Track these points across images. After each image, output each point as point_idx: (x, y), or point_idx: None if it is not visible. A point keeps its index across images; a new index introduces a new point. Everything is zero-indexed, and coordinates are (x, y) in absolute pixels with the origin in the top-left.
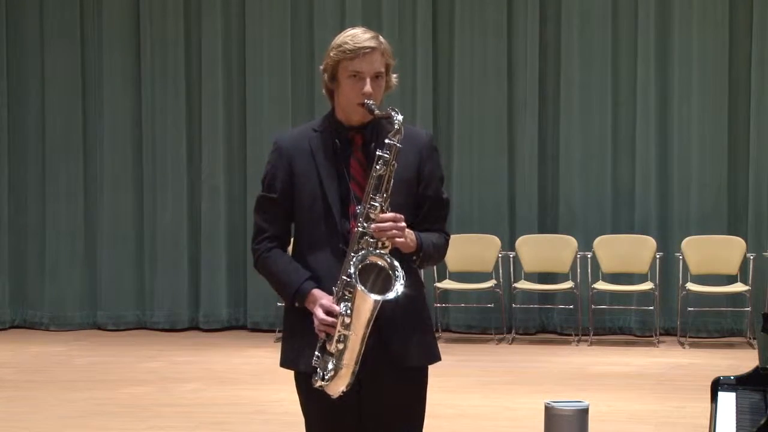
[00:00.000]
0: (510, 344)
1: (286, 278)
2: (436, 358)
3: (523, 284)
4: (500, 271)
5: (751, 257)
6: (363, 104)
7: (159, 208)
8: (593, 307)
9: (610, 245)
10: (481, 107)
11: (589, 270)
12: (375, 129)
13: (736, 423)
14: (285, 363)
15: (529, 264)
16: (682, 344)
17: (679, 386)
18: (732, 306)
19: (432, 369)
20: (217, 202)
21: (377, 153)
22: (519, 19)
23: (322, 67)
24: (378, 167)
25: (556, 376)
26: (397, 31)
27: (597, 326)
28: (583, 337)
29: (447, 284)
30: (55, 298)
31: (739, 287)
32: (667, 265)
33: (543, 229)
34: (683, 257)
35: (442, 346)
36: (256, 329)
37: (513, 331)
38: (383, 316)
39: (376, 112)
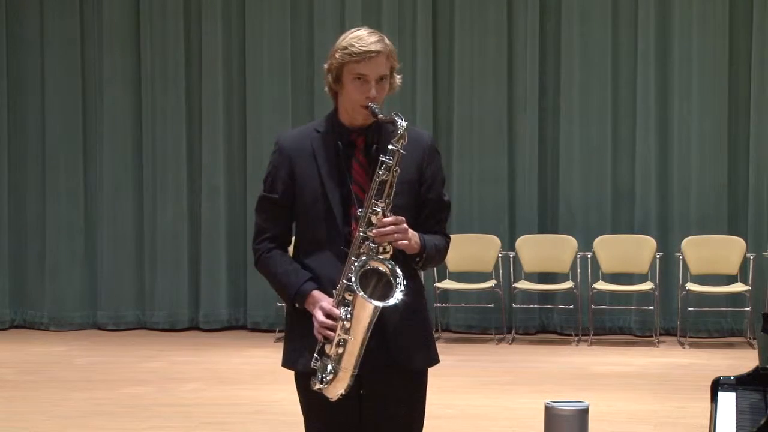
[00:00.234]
0: (510, 344)
1: (287, 279)
2: (435, 360)
3: (523, 284)
4: (500, 271)
5: (751, 257)
6: (367, 107)
7: (159, 208)
8: (593, 307)
9: (610, 245)
10: (481, 107)
11: (589, 270)
12: (377, 131)
13: (736, 423)
14: (286, 363)
15: (529, 264)
16: (682, 344)
17: (679, 386)
18: (732, 306)
19: (432, 369)
20: (217, 202)
21: (380, 158)
22: (519, 19)
23: (326, 67)
24: (381, 173)
25: (556, 376)
26: (397, 31)
27: (597, 326)
28: (583, 337)
29: (447, 284)
30: (55, 298)
31: (739, 287)
32: (667, 265)
33: (543, 229)
34: (683, 257)
35: (442, 346)
36: (256, 329)
37: (513, 331)
38: (384, 318)
39: (380, 115)
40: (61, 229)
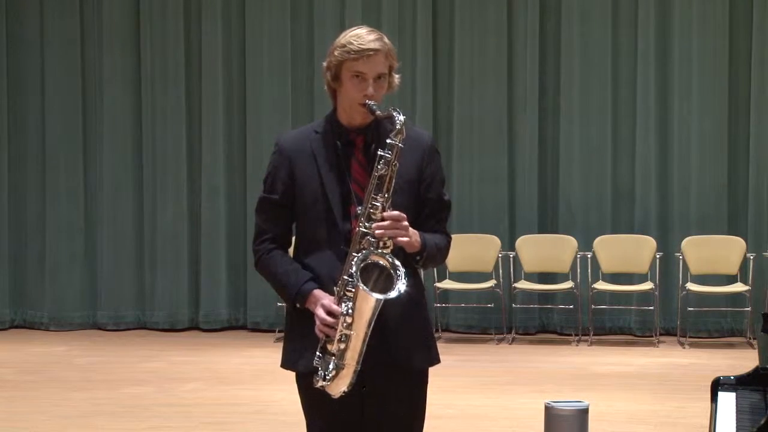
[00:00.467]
0: (510, 344)
1: (287, 279)
2: (436, 360)
3: (523, 284)
4: (500, 271)
5: (751, 257)
6: (365, 105)
7: (159, 208)
8: (593, 307)
9: (610, 245)
10: (481, 107)
11: (589, 270)
12: (376, 130)
13: (736, 423)
14: (286, 364)
15: (529, 264)
16: (682, 344)
17: (679, 386)
18: (732, 306)
19: (432, 369)
20: (217, 202)
21: (379, 153)
22: (519, 19)
23: (325, 65)
24: (380, 167)
25: (556, 376)
26: (397, 31)
27: (597, 326)
28: (583, 337)
29: (447, 284)
30: (55, 298)
31: (739, 287)
32: (667, 265)
33: (543, 229)
34: (683, 257)
35: (442, 346)
36: (256, 329)
37: (513, 331)
38: (384, 317)
39: (378, 112)
40: (61, 229)
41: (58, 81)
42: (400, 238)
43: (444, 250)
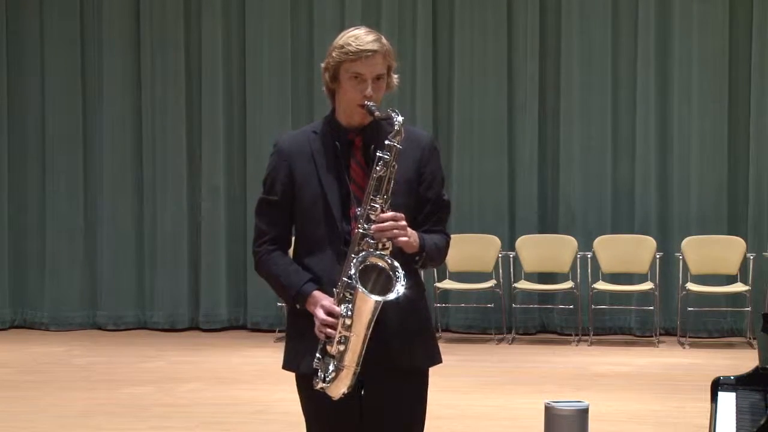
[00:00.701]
0: (510, 344)
1: (287, 280)
2: (437, 360)
3: (523, 284)
4: (500, 271)
5: (751, 257)
6: (363, 105)
7: (159, 208)
8: (593, 307)
9: (610, 245)
10: (481, 107)
11: (589, 270)
12: (375, 131)
13: (736, 423)
14: (286, 365)
15: (529, 264)
16: (682, 344)
17: (679, 386)
18: (732, 306)
19: (432, 369)
20: (217, 202)
21: (377, 154)
22: (519, 19)
23: (323, 66)
24: (378, 168)
25: (556, 376)
26: (397, 31)
27: (597, 326)
28: (583, 337)
29: (447, 284)
30: (55, 298)
31: (739, 287)
32: (667, 265)
33: (543, 229)
34: (683, 257)
35: (442, 346)
36: (256, 329)
37: (513, 331)
38: (384, 317)
39: (377, 113)
40: (61, 229)
41: (58, 81)
42: (399, 239)
43: (443, 250)
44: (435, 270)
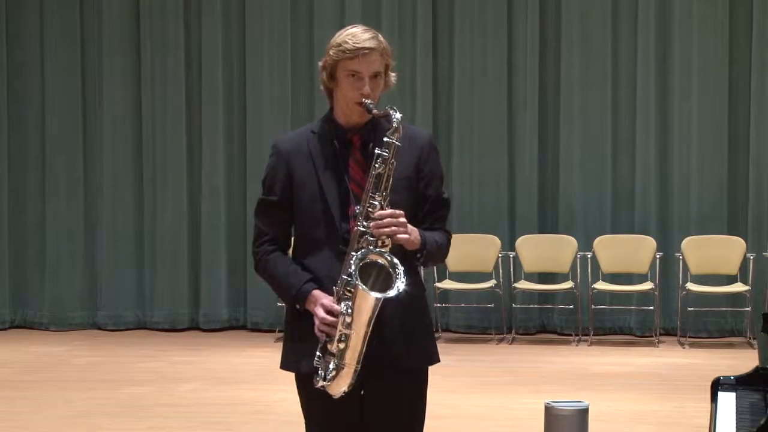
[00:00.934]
0: (510, 344)
1: (287, 281)
2: (436, 359)
3: (523, 284)
4: (500, 271)
5: (751, 257)
6: (361, 103)
7: (159, 208)
8: (593, 307)
9: (610, 245)
10: (481, 107)
11: (589, 270)
12: (373, 130)
13: (736, 423)
14: (285, 365)
15: (529, 264)
16: (682, 344)
17: (679, 386)
18: (732, 306)
19: (432, 369)
20: (217, 202)
21: (376, 151)
22: (519, 19)
23: (321, 65)
24: (377, 166)
25: (556, 376)
26: (397, 31)
27: (597, 326)
28: (583, 337)
29: (447, 284)
30: (55, 298)
31: (739, 287)
32: (667, 265)
33: (543, 229)
34: (683, 257)
35: (442, 346)
36: (256, 329)
37: (513, 331)
38: (384, 316)
39: (374, 111)
40: (61, 229)
41: (58, 81)
42: (399, 236)
43: (444, 247)
44: (435, 270)
